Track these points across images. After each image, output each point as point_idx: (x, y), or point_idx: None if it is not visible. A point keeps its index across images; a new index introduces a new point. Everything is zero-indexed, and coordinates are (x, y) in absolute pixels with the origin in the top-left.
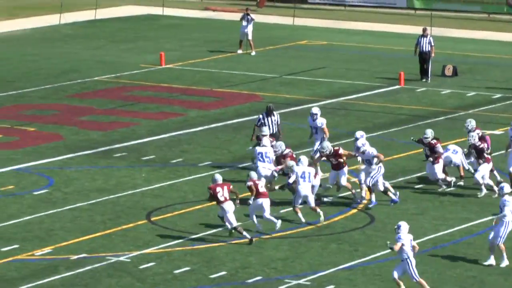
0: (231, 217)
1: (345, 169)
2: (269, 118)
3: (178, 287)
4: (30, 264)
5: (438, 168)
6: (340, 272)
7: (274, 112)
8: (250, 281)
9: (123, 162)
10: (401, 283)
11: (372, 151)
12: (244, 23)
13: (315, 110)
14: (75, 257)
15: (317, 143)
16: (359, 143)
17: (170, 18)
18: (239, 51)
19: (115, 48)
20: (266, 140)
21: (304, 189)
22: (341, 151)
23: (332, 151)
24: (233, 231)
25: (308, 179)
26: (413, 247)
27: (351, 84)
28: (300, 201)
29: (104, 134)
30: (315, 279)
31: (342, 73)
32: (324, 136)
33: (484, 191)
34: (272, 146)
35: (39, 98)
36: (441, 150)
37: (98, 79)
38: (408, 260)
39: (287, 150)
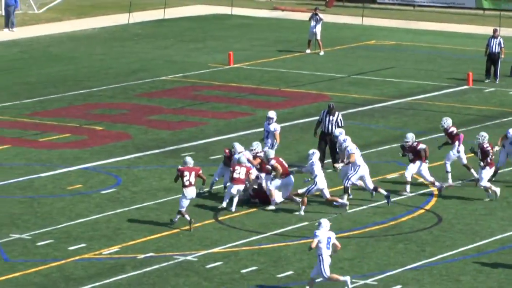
0: (186, 202)
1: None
2: (329, 117)
3: (245, 286)
4: (97, 263)
5: (425, 171)
6: (407, 272)
7: (336, 112)
8: (317, 280)
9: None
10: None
11: (350, 148)
12: (313, 23)
13: (272, 114)
14: (142, 256)
15: (266, 148)
16: (341, 138)
17: (239, 18)
18: (308, 51)
19: (184, 48)
20: (239, 146)
21: (322, 182)
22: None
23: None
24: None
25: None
26: (334, 244)
27: (419, 84)
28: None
29: (172, 133)
30: (382, 279)
31: (410, 73)
32: (275, 142)
33: (494, 195)
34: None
35: (108, 97)
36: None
37: (166, 79)
38: (321, 257)
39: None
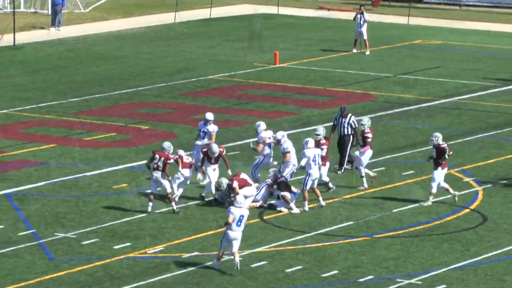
0: (155, 185)
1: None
2: (341, 119)
3: (290, 286)
4: (142, 262)
5: (324, 169)
6: (452, 272)
7: (348, 114)
8: (361, 280)
9: (236, 160)
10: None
11: (287, 146)
12: (359, 22)
13: (210, 116)
14: (187, 255)
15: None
16: (282, 141)
17: (285, 17)
18: (354, 50)
19: (230, 47)
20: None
21: (315, 172)
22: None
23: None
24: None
25: (317, 162)
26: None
27: (465, 84)
28: (310, 184)
29: (217, 132)
30: (427, 278)
31: (456, 72)
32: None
33: (430, 201)
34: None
35: (154, 96)
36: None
37: (212, 78)
38: (228, 232)
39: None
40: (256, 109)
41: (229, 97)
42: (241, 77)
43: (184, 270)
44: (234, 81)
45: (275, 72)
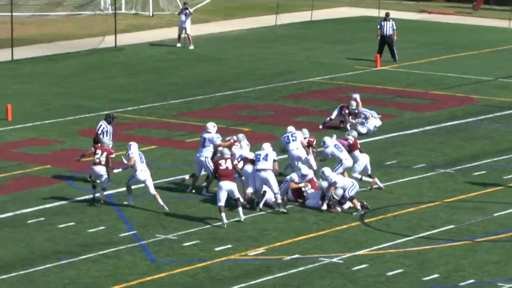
0: (99, 181)
1: None
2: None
3: None
4: (243, 264)
5: None
6: None
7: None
8: (462, 284)
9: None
10: None
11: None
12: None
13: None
14: (288, 257)
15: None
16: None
17: None
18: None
19: (331, 50)
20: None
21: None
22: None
23: None
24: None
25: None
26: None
27: None
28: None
29: (316, 135)
30: None
31: None
32: None
33: None
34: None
35: (255, 98)
36: None
37: (313, 80)
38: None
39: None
40: None
41: (330, 99)
42: (342, 80)
43: (285, 273)
44: (335, 83)
45: (376, 75)
